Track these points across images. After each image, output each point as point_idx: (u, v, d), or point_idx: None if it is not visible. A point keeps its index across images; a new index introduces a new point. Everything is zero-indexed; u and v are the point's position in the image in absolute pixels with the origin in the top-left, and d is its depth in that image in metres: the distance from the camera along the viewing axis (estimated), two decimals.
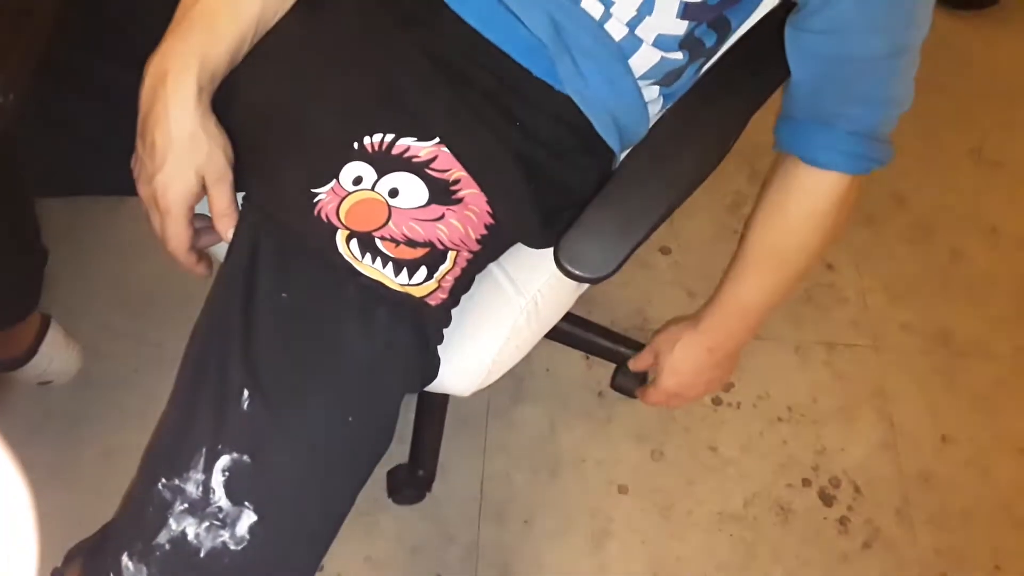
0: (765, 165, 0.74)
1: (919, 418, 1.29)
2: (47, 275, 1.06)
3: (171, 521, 0.57)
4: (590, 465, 1.21)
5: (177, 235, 0.66)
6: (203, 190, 0.65)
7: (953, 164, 1.57)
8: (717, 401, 1.28)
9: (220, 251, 0.76)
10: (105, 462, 1.15)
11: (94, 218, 1.36)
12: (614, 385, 0.99)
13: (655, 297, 1.37)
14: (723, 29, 0.74)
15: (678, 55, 0.70)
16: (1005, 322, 1.39)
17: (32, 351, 1.13)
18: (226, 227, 0.66)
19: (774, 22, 0.72)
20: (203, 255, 0.71)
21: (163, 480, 0.57)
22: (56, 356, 1.16)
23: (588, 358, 1.29)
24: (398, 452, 1.15)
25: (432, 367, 0.68)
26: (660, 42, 0.69)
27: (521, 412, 1.24)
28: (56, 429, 1.17)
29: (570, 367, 1.29)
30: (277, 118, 0.66)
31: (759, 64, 0.73)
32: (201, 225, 0.69)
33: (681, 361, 0.84)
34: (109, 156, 0.71)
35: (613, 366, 1.00)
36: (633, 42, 0.68)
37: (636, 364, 0.92)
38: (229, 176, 0.66)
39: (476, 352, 0.74)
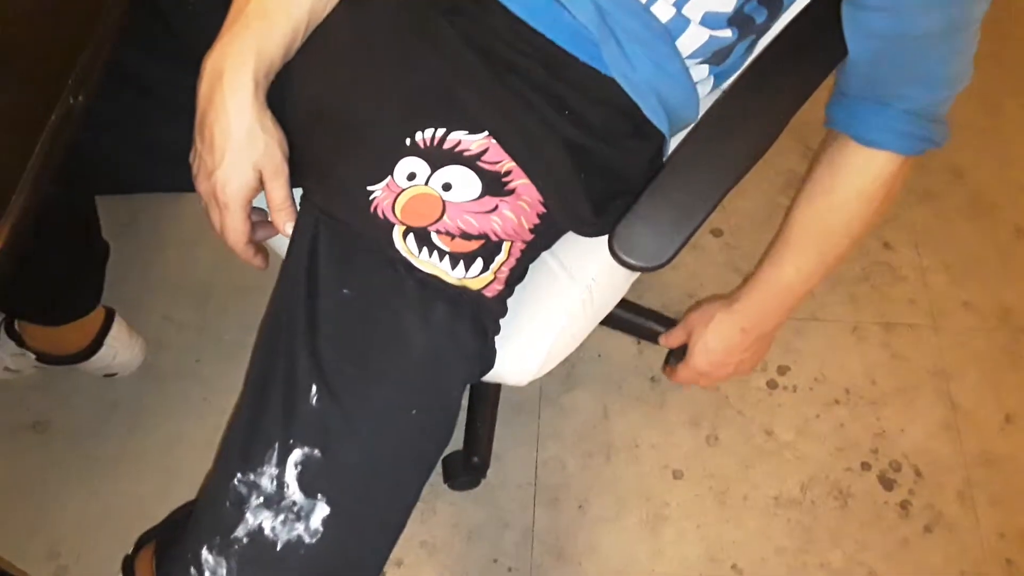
0: (817, 143, 0.73)
1: (981, 398, 1.26)
2: (109, 270, 1.09)
3: (248, 515, 0.58)
4: (644, 450, 1.21)
5: (235, 229, 0.67)
6: (260, 184, 0.67)
7: (1013, 137, 1.52)
8: (772, 384, 1.26)
9: (277, 243, 0.78)
10: (169, 452, 1.19)
11: (153, 213, 1.39)
12: (666, 370, 0.98)
13: (707, 280, 1.36)
14: (774, 5, 0.72)
15: (727, 32, 0.69)
16: None
17: (97, 345, 1.17)
18: (283, 220, 0.67)
19: (827, 1, 0.71)
20: (260, 248, 0.72)
21: (239, 475, 0.59)
22: (120, 349, 1.20)
23: (639, 343, 1.29)
24: (453, 439, 1.16)
25: (490, 357, 0.69)
26: (708, 20, 0.67)
27: (573, 398, 1.25)
28: (122, 420, 1.21)
29: (622, 352, 1.29)
30: (330, 115, 0.67)
31: (815, 42, 0.71)
32: (258, 219, 0.70)
33: (713, 340, 0.83)
34: (167, 155, 0.73)
35: (664, 351, 0.99)
36: (680, 22, 0.67)
37: (668, 340, 0.91)
38: (285, 170, 0.67)
39: (532, 341, 0.74)
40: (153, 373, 1.25)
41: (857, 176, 0.71)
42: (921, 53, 0.65)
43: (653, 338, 1.21)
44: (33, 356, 1.16)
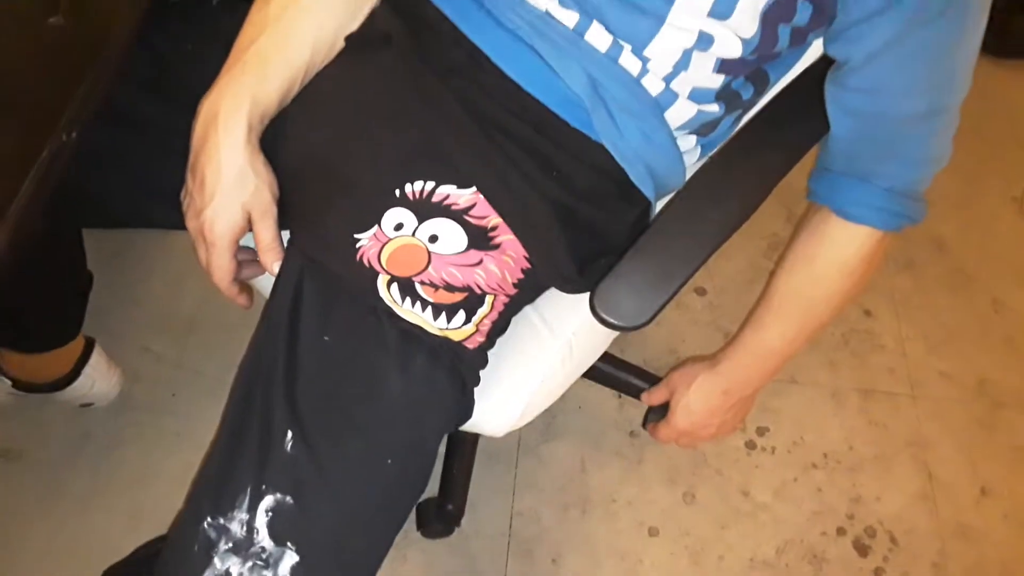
0: (802, 208, 0.75)
1: (957, 469, 1.27)
2: (92, 299, 1.09)
3: (216, 560, 0.58)
4: (621, 505, 1.21)
5: (221, 267, 0.68)
6: (248, 225, 0.67)
7: (994, 212, 1.55)
8: (751, 445, 1.27)
9: (262, 283, 0.78)
10: (140, 486, 1.17)
11: (142, 245, 1.39)
12: (646, 425, 0.99)
13: (689, 337, 1.36)
14: (761, 82, 0.75)
15: (714, 107, 0.71)
16: None
17: (75, 374, 1.16)
18: (270, 261, 0.68)
19: (815, 75, 0.73)
20: (245, 287, 0.73)
21: (208, 519, 0.58)
22: (98, 379, 1.19)
23: (620, 397, 1.29)
24: (428, 486, 1.15)
25: (468, 408, 0.69)
26: (696, 95, 0.69)
27: (552, 449, 1.24)
28: (94, 451, 1.20)
29: (602, 405, 1.29)
30: (322, 162, 0.68)
31: (798, 117, 0.73)
32: (244, 258, 0.71)
33: (696, 401, 0.84)
34: (158, 192, 0.73)
35: (644, 406, 1.00)
36: (669, 96, 0.69)
37: (650, 398, 0.91)
38: (274, 212, 0.68)
39: (510, 393, 0.74)
40: (129, 405, 1.24)
41: (838, 249, 0.73)
42: (902, 134, 0.67)
43: (634, 393, 1.22)
44: (9, 383, 1.15)
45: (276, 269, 0.68)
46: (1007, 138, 1.63)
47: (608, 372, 1.16)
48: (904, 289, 1.44)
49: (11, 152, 0.58)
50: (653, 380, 1.18)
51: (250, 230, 0.68)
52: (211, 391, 1.26)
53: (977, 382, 1.35)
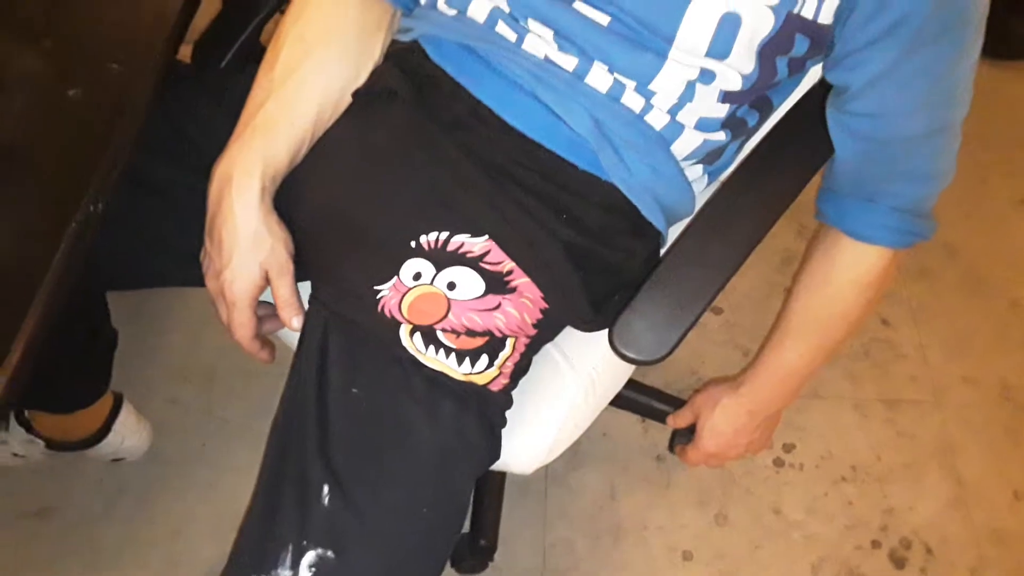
0: (812, 221, 0.75)
1: (988, 474, 1.26)
2: (117, 355, 1.11)
3: None
4: (652, 531, 1.20)
5: (243, 324, 0.70)
6: (266, 282, 0.69)
7: (1003, 215, 1.55)
8: (779, 463, 1.26)
9: (285, 335, 0.80)
10: (176, 537, 1.19)
11: (157, 300, 1.42)
12: (672, 448, 0.99)
13: (708, 357, 1.37)
14: (765, 108, 0.76)
15: (721, 135, 0.72)
16: None
17: (105, 430, 1.17)
18: (289, 316, 0.70)
19: (816, 99, 0.74)
20: (267, 341, 0.74)
21: None
22: (128, 434, 1.20)
23: (644, 421, 1.29)
24: None
25: (496, 449, 0.70)
26: (702, 125, 0.71)
27: (580, 478, 1.25)
28: (128, 505, 1.21)
29: (627, 431, 1.29)
30: (336, 219, 0.70)
31: (803, 142, 0.74)
32: (264, 313, 0.73)
33: (722, 423, 0.84)
34: (178, 253, 0.76)
35: (669, 429, 1.00)
36: (675, 128, 0.70)
37: (676, 421, 0.92)
38: (291, 268, 0.69)
39: (537, 431, 0.75)
40: (159, 457, 1.25)
41: (851, 269, 0.73)
42: (906, 154, 0.68)
43: (657, 417, 1.22)
44: (42, 443, 1.17)
45: (295, 324, 0.69)
46: (1011, 140, 1.64)
47: (631, 398, 1.17)
48: (920, 297, 1.44)
49: (41, 225, 0.60)
50: (676, 403, 1.19)
51: (268, 286, 0.70)
52: (240, 437, 1.28)
53: (1000, 385, 1.35)
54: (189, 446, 1.27)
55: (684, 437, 0.95)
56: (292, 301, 0.70)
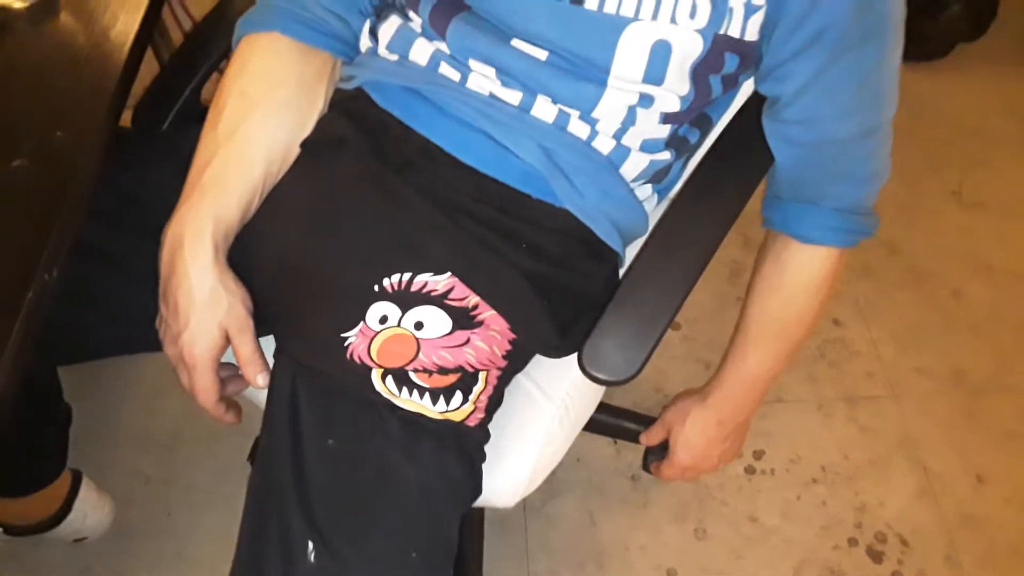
0: (757, 232, 0.77)
1: (951, 461, 1.30)
2: (73, 429, 1.07)
3: None
4: (635, 552, 1.21)
5: (205, 388, 0.68)
6: (227, 342, 0.68)
7: (937, 208, 1.62)
8: (750, 470, 1.28)
9: (250, 395, 0.79)
10: None
11: (115, 368, 1.38)
12: (646, 467, 0.99)
13: (672, 373, 1.39)
14: (705, 125, 0.79)
15: (666, 155, 0.75)
16: (1014, 354, 1.42)
17: (66, 510, 1.13)
18: (253, 374, 0.69)
19: (753, 111, 0.77)
20: (232, 403, 0.73)
21: None
22: (90, 511, 1.16)
23: (616, 443, 1.30)
24: None
25: (478, 485, 0.69)
26: (647, 146, 0.73)
27: (558, 507, 1.24)
28: None
29: (600, 454, 1.30)
30: (296, 268, 0.69)
31: (745, 153, 0.77)
32: (227, 374, 0.71)
33: (693, 435, 0.85)
34: (132, 320, 0.74)
35: (641, 448, 1.01)
36: (622, 152, 0.72)
37: (648, 438, 0.93)
38: (251, 326, 0.68)
39: (516, 463, 0.75)
40: (124, 532, 1.21)
41: (802, 272, 0.76)
42: (841, 155, 0.71)
43: (629, 437, 1.23)
44: (1, 529, 1.12)
45: (261, 382, 0.68)
46: (936, 137, 1.72)
47: (602, 420, 1.17)
48: (866, 294, 1.49)
49: None
50: (646, 421, 1.20)
51: (229, 346, 0.69)
52: (207, 504, 1.25)
53: (953, 373, 1.39)
54: (154, 517, 1.23)
55: (657, 454, 0.96)
56: (255, 359, 0.69)
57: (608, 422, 1.20)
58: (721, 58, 0.66)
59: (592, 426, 1.19)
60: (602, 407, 1.19)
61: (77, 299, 0.75)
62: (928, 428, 1.33)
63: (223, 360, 0.69)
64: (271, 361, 0.70)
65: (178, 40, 1.38)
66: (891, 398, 1.36)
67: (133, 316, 0.74)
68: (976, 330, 1.45)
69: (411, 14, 0.73)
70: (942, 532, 1.23)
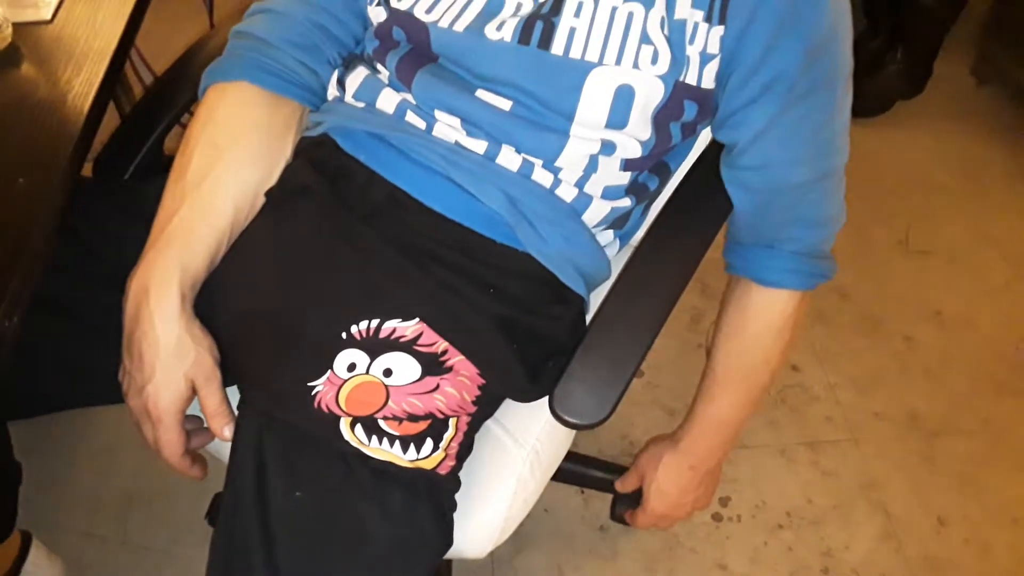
0: (715, 279, 0.80)
1: (911, 504, 1.31)
2: (22, 490, 1.03)
3: None
4: None
5: (171, 441, 0.67)
6: (192, 394, 0.67)
7: (885, 257, 1.67)
8: (717, 517, 1.28)
9: (213, 448, 0.77)
10: None
11: (60, 427, 1.33)
12: (614, 516, 0.99)
13: (636, 420, 1.39)
14: (663, 172, 0.81)
15: (626, 201, 0.76)
16: (967, 398, 1.45)
17: (14, 574, 1.08)
18: (220, 425, 0.67)
19: (711, 160, 0.79)
20: (197, 456, 0.71)
21: None
22: (40, 575, 1.11)
23: (583, 492, 1.29)
24: None
25: (449, 535, 0.68)
26: (608, 193, 0.75)
27: (526, 560, 1.22)
28: None
29: (567, 503, 1.28)
30: (262, 318, 0.69)
31: (705, 201, 0.79)
32: (192, 426, 0.70)
33: (666, 482, 0.86)
34: (81, 373, 0.73)
35: (608, 497, 1.00)
36: (584, 199, 0.74)
37: (623, 485, 0.93)
38: (218, 376, 0.67)
39: (487, 511, 0.74)
40: None
41: (764, 314, 0.78)
42: (796, 200, 0.73)
43: (595, 485, 1.23)
44: None
45: (227, 433, 0.67)
46: (880, 189, 1.78)
47: (569, 468, 1.16)
48: (822, 339, 1.52)
49: None
50: (613, 469, 1.20)
51: (194, 398, 0.67)
52: (162, 566, 1.20)
53: (909, 416, 1.42)
54: None
55: (626, 503, 0.95)
56: (222, 410, 0.67)
57: (575, 470, 1.19)
58: (681, 105, 0.68)
59: (559, 475, 1.18)
60: (569, 455, 1.18)
61: (31, 350, 0.73)
62: (888, 471, 1.35)
63: (187, 413, 0.68)
64: (236, 412, 0.68)
65: (139, 94, 1.38)
66: (851, 441, 1.38)
67: (89, 368, 0.73)
68: (929, 374, 1.48)
69: (378, 66, 0.75)
70: (906, 575, 1.23)
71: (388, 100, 0.73)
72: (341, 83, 0.76)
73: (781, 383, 1.45)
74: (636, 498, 0.95)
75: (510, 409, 0.78)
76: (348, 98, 0.75)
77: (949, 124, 1.96)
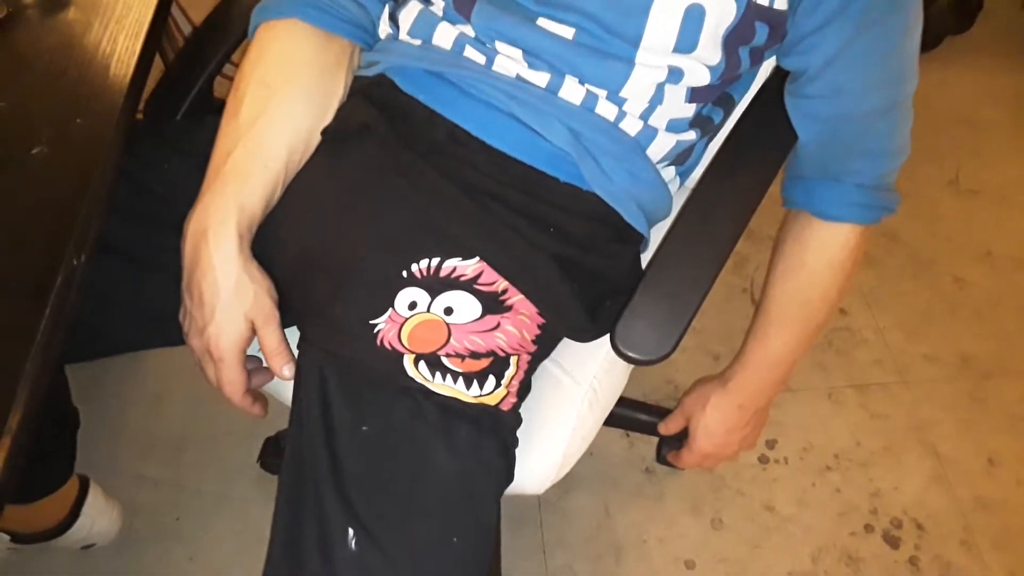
0: (758, 224, 0.77)
1: (962, 445, 1.30)
2: (79, 435, 1.05)
3: None
4: (652, 545, 1.20)
5: (233, 380, 0.67)
6: (252, 334, 0.67)
7: (935, 197, 1.63)
8: (764, 459, 1.28)
9: (273, 388, 0.77)
10: None
11: (116, 373, 1.36)
12: (660, 459, 0.98)
13: (681, 364, 1.38)
14: (728, 104, 0.79)
15: (691, 134, 0.74)
16: (1017, 338, 1.43)
17: (74, 516, 1.11)
18: (280, 364, 0.68)
19: (772, 92, 0.77)
20: (258, 395, 0.72)
21: None
22: (97, 517, 1.14)
23: (628, 435, 1.30)
24: None
25: (511, 470, 0.69)
26: (673, 126, 0.72)
27: (573, 501, 1.24)
28: None
29: (613, 447, 1.29)
30: (321, 258, 0.68)
31: (768, 133, 0.77)
32: (253, 366, 0.70)
33: (713, 421, 0.84)
34: (139, 315, 0.73)
35: (654, 440, 1.00)
36: (649, 132, 0.72)
37: (667, 427, 0.92)
38: (276, 316, 0.67)
39: (547, 448, 0.74)
40: (132, 538, 1.19)
41: (826, 249, 0.76)
42: (864, 130, 0.71)
43: (641, 429, 1.23)
44: (7, 537, 1.10)
45: (287, 372, 0.67)
46: (929, 128, 1.73)
47: (616, 412, 1.15)
48: (870, 283, 1.49)
49: (27, 283, 0.57)
50: (658, 412, 1.19)
51: (255, 338, 0.68)
52: (215, 507, 1.23)
53: (959, 358, 1.40)
54: (163, 523, 1.21)
55: (672, 444, 0.95)
56: (281, 349, 0.68)
57: (621, 414, 1.19)
58: (752, 27, 0.66)
59: (607, 419, 1.19)
60: (617, 400, 1.19)
61: (96, 294, 0.73)
62: (938, 413, 1.33)
63: (248, 353, 0.68)
64: (296, 351, 0.69)
65: (181, 44, 1.37)
66: (900, 384, 1.37)
67: (147, 310, 0.73)
68: (979, 316, 1.46)
69: None
70: (957, 516, 1.23)
71: (445, 35, 0.71)
72: (394, 19, 0.75)
73: (829, 326, 1.43)
74: (682, 440, 0.94)
75: (568, 349, 0.77)
76: (403, 35, 0.73)
77: (999, 60, 1.90)
